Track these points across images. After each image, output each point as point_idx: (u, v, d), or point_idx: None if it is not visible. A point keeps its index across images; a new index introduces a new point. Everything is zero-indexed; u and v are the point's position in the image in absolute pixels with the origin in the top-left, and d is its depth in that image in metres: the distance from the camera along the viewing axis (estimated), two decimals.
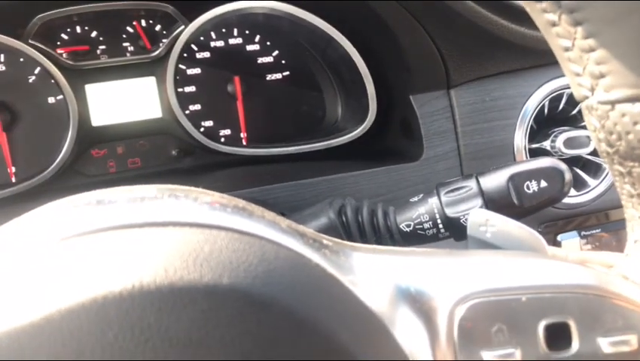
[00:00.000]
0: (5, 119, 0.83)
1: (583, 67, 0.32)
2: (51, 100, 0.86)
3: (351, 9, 0.80)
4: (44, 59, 0.79)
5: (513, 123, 0.81)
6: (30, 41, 0.78)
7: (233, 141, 0.94)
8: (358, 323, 0.30)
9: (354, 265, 0.34)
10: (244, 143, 0.95)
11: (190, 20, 0.82)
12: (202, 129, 0.91)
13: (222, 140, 0.93)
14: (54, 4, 0.78)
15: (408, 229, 0.58)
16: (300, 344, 0.27)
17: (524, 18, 0.73)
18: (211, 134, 0.91)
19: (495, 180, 0.56)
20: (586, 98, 0.33)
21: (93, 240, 0.27)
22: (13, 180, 0.86)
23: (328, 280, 0.30)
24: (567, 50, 0.33)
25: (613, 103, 0.32)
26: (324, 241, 0.34)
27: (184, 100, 0.89)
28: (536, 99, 0.81)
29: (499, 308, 0.32)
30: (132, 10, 0.86)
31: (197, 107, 0.92)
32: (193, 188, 0.36)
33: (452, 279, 0.34)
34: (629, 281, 0.35)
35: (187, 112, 0.90)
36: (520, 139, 0.81)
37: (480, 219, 0.47)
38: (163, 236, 0.28)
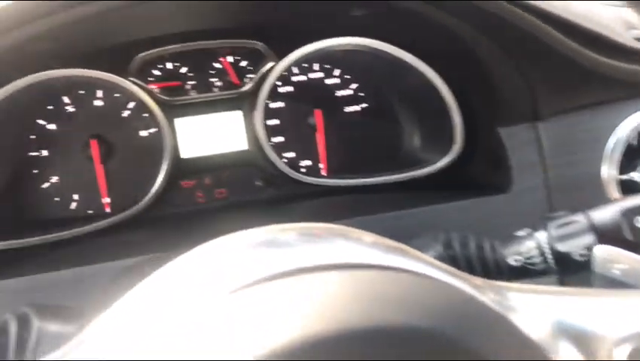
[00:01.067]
0: (102, 151, 0.87)
1: None
2: (143, 133, 0.90)
3: (439, 40, 0.81)
4: (144, 94, 0.83)
5: (601, 155, 0.81)
6: (130, 78, 0.82)
7: (313, 171, 0.96)
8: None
9: (515, 304, 0.34)
10: (324, 173, 0.97)
11: (279, 57, 0.85)
12: (284, 160, 0.93)
13: (303, 170, 0.95)
14: (154, 43, 0.82)
15: (517, 264, 0.58)
16: None
17: (616, 51, 0.74)
18: (292, 165, 0.93)
19: (606, 215, 0.56)
20: None
21: (297, 282, 0.28)
22: (108, 210, 0.89)
23: (502, 321, 0.31)
24: None
25: None
26: (477, 281, 0.35)
27: (268, 132, 0.92)
28: (624, 130, 0.80)
29: None
30: (221, 48, 0.90)
31: (280, 139, 0.95)
32: (349, 228, 0.37)
33: (612, 320, 0.35)
34: None
35: (271, 144, 0.92)
36: (609, 171, 0.80)
37: (607, 255, 0.47)
38: (354, 279, 0.29)
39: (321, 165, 0.97)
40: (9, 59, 0.65)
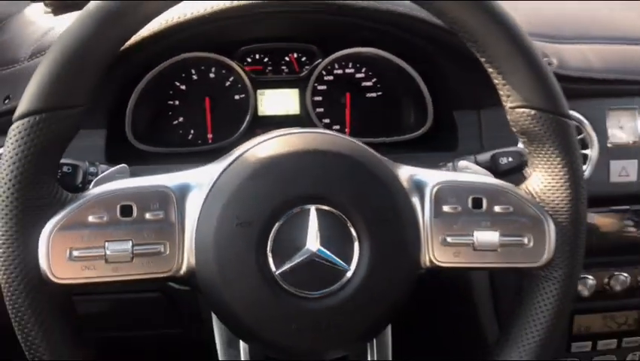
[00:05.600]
0: (211, 105, 1.42)
1: None
2: (237, 97, 1.44)
3: (417, 51, 1.31)
4: (242, 72, 1.37)
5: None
6: (235, 61, 1.37)
7: (341, 132, 1.47)
8: None
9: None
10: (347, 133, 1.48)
11: (325, 56, 1.38)
12: (323, 123, 1.45)
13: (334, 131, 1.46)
14: (251, 42, 1.36)
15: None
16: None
17: None
18: (327, 127, 1.44)
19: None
20: None
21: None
22: (210, 141, 1.44)
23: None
24: None
25: None
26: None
27: (314, 105, 1.43)
28: None
29: None
30: (290, 48, 1.43)
31: (321, 109, 1.46)
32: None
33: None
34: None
35: (315, 112, 1.44)
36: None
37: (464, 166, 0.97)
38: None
39: (346, 130, 1.48)
40: (164, 44, 1.20)
